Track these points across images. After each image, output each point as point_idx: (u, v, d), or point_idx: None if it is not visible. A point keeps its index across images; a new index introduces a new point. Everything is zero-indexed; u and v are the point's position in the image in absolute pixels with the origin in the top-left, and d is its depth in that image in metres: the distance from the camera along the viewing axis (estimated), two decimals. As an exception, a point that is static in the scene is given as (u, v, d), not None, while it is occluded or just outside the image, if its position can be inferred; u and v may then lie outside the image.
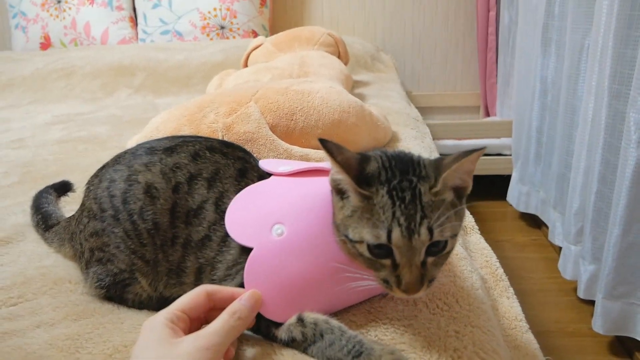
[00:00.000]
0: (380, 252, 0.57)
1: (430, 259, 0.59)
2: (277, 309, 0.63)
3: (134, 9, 2.92)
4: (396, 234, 0.56)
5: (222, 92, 1.24)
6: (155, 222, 0.70)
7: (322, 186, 0.66)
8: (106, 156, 0.84)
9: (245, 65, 2.16)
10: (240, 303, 0.60)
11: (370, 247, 0.58)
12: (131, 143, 1.25)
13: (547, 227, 2.17)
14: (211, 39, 2.84)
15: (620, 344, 1.60)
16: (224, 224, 0.67)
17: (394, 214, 0.56)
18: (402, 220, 0.56)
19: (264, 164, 0.75)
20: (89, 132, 1.79)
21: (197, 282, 0.70)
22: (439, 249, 0.58)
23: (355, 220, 0.59)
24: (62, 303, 0.73)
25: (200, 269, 0.70)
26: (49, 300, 0.74)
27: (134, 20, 2.93)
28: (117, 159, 0.77)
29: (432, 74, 3.14)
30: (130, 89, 2.45)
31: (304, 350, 0.61)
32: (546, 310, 1.81)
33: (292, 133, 1.12)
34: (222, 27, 2.84)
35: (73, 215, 0.84)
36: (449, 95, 3.18)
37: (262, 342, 0.63)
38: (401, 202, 0.57)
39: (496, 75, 2.93)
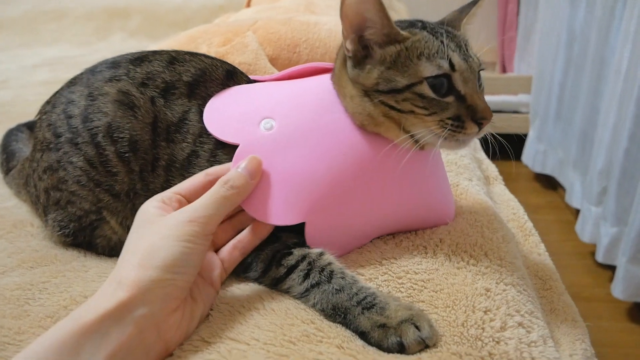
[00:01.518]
0: (442, 88, 0.53)
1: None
2: (272, 208, 0.53)
3: (131, -52, 2.74)
4: (456, 58, 0.54)
5: (217, 24, 1.11)
6: (133, 141, 0.58)
7: (315, 81, 0.60)
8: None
9: (248, 6, 2.01)
10: (236, 171, 0.51)
11: (431, 83, 0.52)
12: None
13: (563, 189, 2.05)
14: (212, -18, 2.66)
15: (639, 310, 1.51)
16: (212, 135, 0.57)
17: (442, 43, 0.54)
18: (453, 47, 0.54)
19: (252, 76, 0.65)
20: (77, 73, 1.67)
21: None
22: (481, 83, 0.57)
23: (402, 66, 0.53)
24: (18, 249, 0.63)
25: None
26: (5, 245, 0.64)
27: (131, -39, 2.75)
28: (72, 81, 0.64)
29: (447, 27, 2.95)
30: (125, 32, 2.30)
31: (304, 294, 0.50)
32: (561, 274, 1.70)
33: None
34: (225, -30, 2.66)
35: (27, 157, 0.71)
36: (463, 50, 2.99)
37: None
38: (441, 35, 0.55)
39: (516, 28, 2.75)
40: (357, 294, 0.48)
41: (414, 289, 0.50)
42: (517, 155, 2.41)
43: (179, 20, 2.28)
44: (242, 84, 0.62)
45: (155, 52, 0.63)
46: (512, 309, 0.48)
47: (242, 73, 0.65)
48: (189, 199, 0.51)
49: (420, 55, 0.53)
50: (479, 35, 2.64)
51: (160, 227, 0.47)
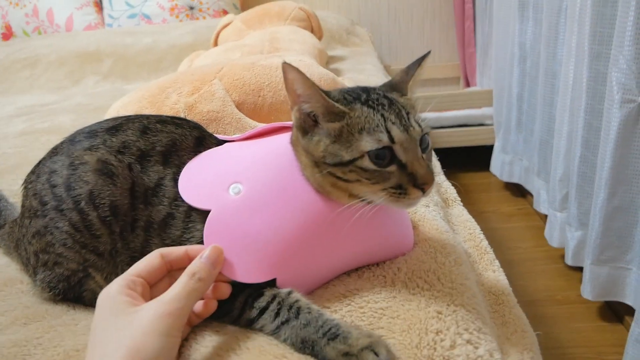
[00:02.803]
0: (383, 160, 0.57)
1: (423, 155, 0.59)
2: (244, 268, 0.58)
3: (98, -7, 2.80)
4: (395, 131, 0.57)
5: (185, 71, 1.17)
6: (113, 206, 0.63)
7: (276, 143, 0.64)
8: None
9: (215, 45, 2.08)
10: (200, 262, 0.55)
11: (372, 157, 0.56)
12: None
13: (532, 195, 2.14)
14: (180, 20, 2.73)
15: (610, 309, 1.59)
16: None
17: (383, 116, 0.58)
18: (393, 119, 0.58)
19: (219, 136, 0.71)
20: (52, 122, 1.70)
21: None
22: (426, 145, 0.60)
23: (345, 141, 0.57)
24: (11, 306, 0.67)
25: None
26: (-2, 304, 0.68)
27: (99, 4, 2.81)
28: (54, 151, 0.69)
29: (410, 47, 3.07)
30: (98, 75, 2.35)
31: (275, 331, 0.56)
32: (534, 280, 1.79)
33: (261, 110, 1.06)
34: (192, 8, 2.74)
35: (15, 220, 0.76)
36: (428, 68, 3.07)
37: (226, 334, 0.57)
38: (382, 106, 0.59)
39: (475, 44, 2.88)
40: (322, 326, 0.54)
41: (374, 317, 0.57)
42: (487, 165, 2.51)
43: (150, 61, 2.34)
44: (212, 147, 0.68)
45: (128, 120, 0.69)
46: (461, 327, 0.54)
47: (210, 136, 0.71)
48: (148, 281, 0.55)
49: (361, 130, 0.57)
50: (442, 53, 2.76)
51: (141, 320, 0.49)
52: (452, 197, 0.98)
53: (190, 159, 0.66)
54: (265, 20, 1.99)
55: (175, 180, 0.64)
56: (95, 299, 0.66)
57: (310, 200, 0.60)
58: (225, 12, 2.74)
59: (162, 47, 2.37)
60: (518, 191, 2.38)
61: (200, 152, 0.67)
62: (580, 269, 1.64)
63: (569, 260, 1.66)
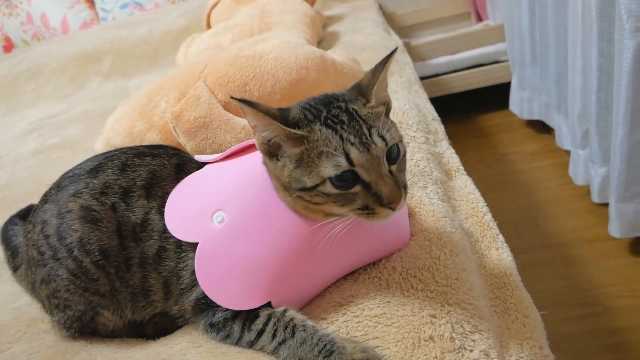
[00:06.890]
0: (346, 182, 0.55)
1: (393, 167, 0.57)
2: (237, 296, 0.60)
3: (88, -11, 2.77)
4: (354, 152, 0.54)
5: (172, 74, 1.16)
6: (103, 250, 0.65)
7: (253, 163, 0.64)
8: (79, 160, 0.75)
9: (208, 25, 2.05)
10: None
11: (334, 182, 0.55)
12: (97, 147, 1.18)
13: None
14: (173, 2, 2.68)
15: (643, 242, 1.54)
16: None
17: (341, 137, 0.55)
18: (352, 139, 0.55)
19: (199, 157, 0.71)
20: (62, 136, 1.73)
21: (167, 297, 0.67)
22: (396, 155, 0.58)
23: (305, 167, 0.56)
24: (35, 348, 0.70)
25: (167, 283, 0.66)
26: (24, 347, 0.72)
27: (91, 0, 2.78)
28: (44, 199, 0.72)
29: (415, -13, 2.92)
30: (99, 76, 2.36)
31: (274, 351, 0.58)
32: (563, 220, 1.74)
33: (249, 106, 1.04)
34: (183, -13, 2.68)
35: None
36: (435, 8, 2.95)
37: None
38: (341, 125, 0.56)
39: (481, -25, 2.71)
40: (317, 344, 0.55)
41: (369, 326, 0.57)
42: (507, 104, 2.41)
43: (147, 52, 2.32)
44: (192, 171, 0.68)
45: (107, 159, 0.70)
46: (455, 331, 0.53)
47: (190, 160, 0.71)
48: None
49: (320, 154, 0.55)
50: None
51: None
52: (455, 167, 0.96)
53: (172, 187, 0.66)
54: (254, -7, 1.93)
55: (161, 213, 0.65)
56: (110, 331, 0.70)
57: (290, 221, 0.60)
58: (216, -15, 2.66)
59: (157, 35, 2.34)
60: (542, 127, 2.28)
61: (182, 178, 0.67)
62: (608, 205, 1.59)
63: (595, 198, 1.61)
